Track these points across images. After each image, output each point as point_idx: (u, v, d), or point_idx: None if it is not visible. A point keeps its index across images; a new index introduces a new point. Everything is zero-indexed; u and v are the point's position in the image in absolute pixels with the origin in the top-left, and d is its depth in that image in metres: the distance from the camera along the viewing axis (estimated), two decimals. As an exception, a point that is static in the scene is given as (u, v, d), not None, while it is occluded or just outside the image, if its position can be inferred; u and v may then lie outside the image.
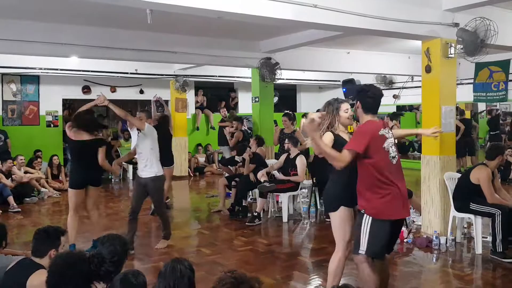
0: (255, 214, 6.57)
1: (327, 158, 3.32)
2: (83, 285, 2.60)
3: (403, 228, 5.60)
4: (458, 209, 5.18)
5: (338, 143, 3.40)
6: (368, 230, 3.26)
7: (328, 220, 6.54)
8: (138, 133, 5.36)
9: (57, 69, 9.80)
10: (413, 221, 6.26)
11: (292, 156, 6.81)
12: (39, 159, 9.56)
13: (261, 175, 6.67)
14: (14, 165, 8.55)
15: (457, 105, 11.39)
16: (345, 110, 3.60)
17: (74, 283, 2.53)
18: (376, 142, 3.24)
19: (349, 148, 3.22)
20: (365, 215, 3.29)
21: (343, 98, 14.44)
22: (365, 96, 3.38)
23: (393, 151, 3.31)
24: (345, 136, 3.55)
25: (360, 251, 3.31)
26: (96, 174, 5.29)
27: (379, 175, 3.22)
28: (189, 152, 12.06)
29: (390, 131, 3.39)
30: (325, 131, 3.51)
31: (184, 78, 11.15)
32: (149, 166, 5.18)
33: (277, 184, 6.66)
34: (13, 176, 8.40)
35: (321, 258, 4.94)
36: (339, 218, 3.49)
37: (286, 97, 14.96)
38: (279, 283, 4.25)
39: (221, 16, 4.54)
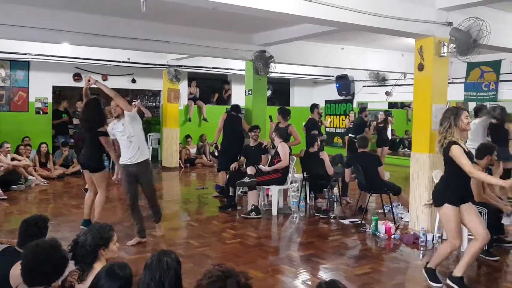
0: (252, 207, 6.54)
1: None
2: (56, 273, 2.60)
3: (391, 224, 5.66)
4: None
5: (467, 154, 3.81)
6: None
7: (317, 214, 6.63)
8: (117, 122, 5.17)
9: (48, 56, 9.68)
10: (401, 218, 6.32)
11: (276, 146, 6.88)
12: (28, 147, 9.46)
13: (250, 170, 6.68)
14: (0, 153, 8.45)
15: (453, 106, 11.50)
16: (466, 116, 3.93)
17: (46, 271, 2.53)
18: None
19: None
20: None
21: (336, 93, 14.57)
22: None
23: None
24: (462, 144, 3.90)
25: None
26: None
27: None
28: (180, 143, 12.02)
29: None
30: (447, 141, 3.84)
31: (177, 69, 11.08)
32: (142, 149, 5.12)
33: (262, 176, 6.65)
34: (0, 163, 8.30)
35: (309, 253, 4.97)
36: (443, 214, 3.97)
37: (280, 91, 14.96)
38: (267, 277, 4.26)
39: (215, 7, 4.50)
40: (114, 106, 5.17)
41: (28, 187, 8.53)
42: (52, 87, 10.97)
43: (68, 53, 9.68)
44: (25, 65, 10.48)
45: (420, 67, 5.69)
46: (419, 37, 5.64)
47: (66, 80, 11.06)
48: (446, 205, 3.88)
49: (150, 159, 5.41)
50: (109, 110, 5.55)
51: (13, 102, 10.41)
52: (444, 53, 5.57)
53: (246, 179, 6.49)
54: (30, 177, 8.76)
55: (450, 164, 3.88)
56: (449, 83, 5.99)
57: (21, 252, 2.88)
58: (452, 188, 3.92)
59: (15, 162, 8.61)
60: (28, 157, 9.23)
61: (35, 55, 9.63)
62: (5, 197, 7.55)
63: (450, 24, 5.49)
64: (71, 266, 2.78)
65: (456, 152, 3.77)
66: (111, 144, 5.54)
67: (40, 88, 10.68)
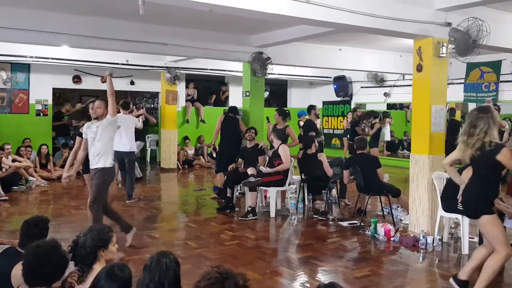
0: (249, 209, 6.54)
1: None
2: (57, 274, 2.62)
3: (390, 227, 5.65)
4: (446, 208, 5.17)
5: None
6: None
7: (315, 216, 6.61)
8: (95, 122, 5.00)
9: (48, 58, 9.70)
10: (401, 220, 6.30)
11: (275, 147, 6.84)
12: (28, 148, 9.50)
13: (251, 170, 6.67)
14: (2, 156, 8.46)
15: (451, 106, 11.53)
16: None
17: (47, 272, 2.54)
18: None
19: None
20: None
21: (334, 94, 14.58)
22: None
23: None
24: None
25: None
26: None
27: None
28: (178, 144, 12.02)
29: None
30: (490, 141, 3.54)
31: (175, 71, 11.09)
32: (101, 156, 4.90)
33: (264, 177, 6.65)
34: (2, 165, 8.33)
35: (307, 255, 4.95)
36: (483, 225, 3.73)
37: (277, 92, 14.97)
38: (265, 279, 4.25)
39: (212, 9, 4.50)
40: (96, 106, 5.01)
41: (28, 188, 8.53)
42: (52, 89, 10.99)
43: (68, 55, 9.69)
44: (25, 68, 10.50)
45: (419, 68, 5.69)
46: (418, 37, 5.63)
47: (65, 82, 11.09)
48: (483, 216, 3.63)
49: (109, 170, 4.99)
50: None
51: (14, 104, 10.44)
52: (443, 53, 5.55)
53: (252, 179, 6.48)
54: (30, 178, 8.77)
55: (489, 168, 3.57)
56: (448, 84, 5.97)
57: (22, 253, 2.90)
58: (486, 196, 3.65)
59: (16, 163, 8.63)
60: (28, 158, 9.27)
61: (35, 57, 9.64)
62: (6, 198, 7.57)
63: (449, 24, 5.48)
64: (71, 267, 2.78)
65: (509, 156, 3.44)
66: (79, 144, 5.28)
67: (40, 90, 10.71)
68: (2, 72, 10.31)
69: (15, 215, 6.65)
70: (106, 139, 4.94)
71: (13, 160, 8.73)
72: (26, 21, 6.46)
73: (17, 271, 2.73)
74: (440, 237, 5.30)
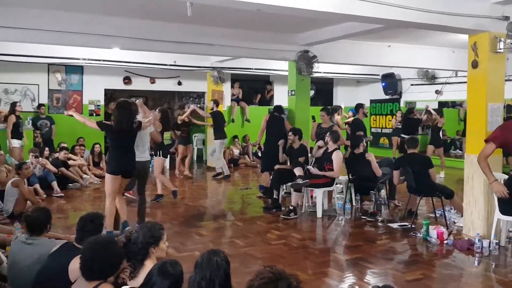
0: (291, 208, 6.53)
1: None
2: (112, 268, 2.70)
3: (443, 229, 5.43)
4: (504, 211, 4.93)
5: None
6: None
7: (364, 217, 6.47)
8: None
9: (99, 60, 10.14)
10: (454, 222, 6.05)
11: (329, 150, 6.74)
12: (82, 147, 9.94)
13: (298, 171, 6.63)
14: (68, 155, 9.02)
15: (508, 103, 10.92)
16: None
17: (103, 266, 2.62)
18: None
19: None
20: None
21: (382, 92, 14.20)
22: None
23: None
24: None
25: None
26: None
27: None
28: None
29: None
30: None
31: (221, 71, 11.24)
32: None
33: (312, 178, 6.59)
34: (69, 162, 8.87)
35: (356, 256, 4.86)
36: None
37: (323, 91, 14.79)
38: (312, 279, 4.21)
39: (260, 8, 4.51)
40: None
41: (82, 186, 8.90)
42: (104, 90, 11.46)
43: (118, 57, 10.08)
44: (79, 70, 11.06)
45: (474, 64, 5.44)
46: (473, 32, 5.39)
47: (116, 83, 11.53)
48: None
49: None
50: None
51: (68, 104, 11.03)
52: (500, 49, 5.29)
53: (300, 181, 6.45)
54: (84, 176, 9.17)
55: None
56: (506, 80, 5.67)
57: (78, 248, 3.03)
58: None
59: (71, 162, 9.08)
60: (82, 156, 9.70)
61: (88, 59, 10.11)
62: (62, 194, 7.97)
63: (506, 18, 5.21)
64: (124, 262, 2.87)
65: None
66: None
67: (93, 91, 11.25)
68: (58, 74, 10.90)
69: (70, 211, 6.99)
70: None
71: (68, 159, 9.17)
72: (79, 25, 6.77)
73: (74, 265, 2.84)
74: (497, 241, 5.02)
